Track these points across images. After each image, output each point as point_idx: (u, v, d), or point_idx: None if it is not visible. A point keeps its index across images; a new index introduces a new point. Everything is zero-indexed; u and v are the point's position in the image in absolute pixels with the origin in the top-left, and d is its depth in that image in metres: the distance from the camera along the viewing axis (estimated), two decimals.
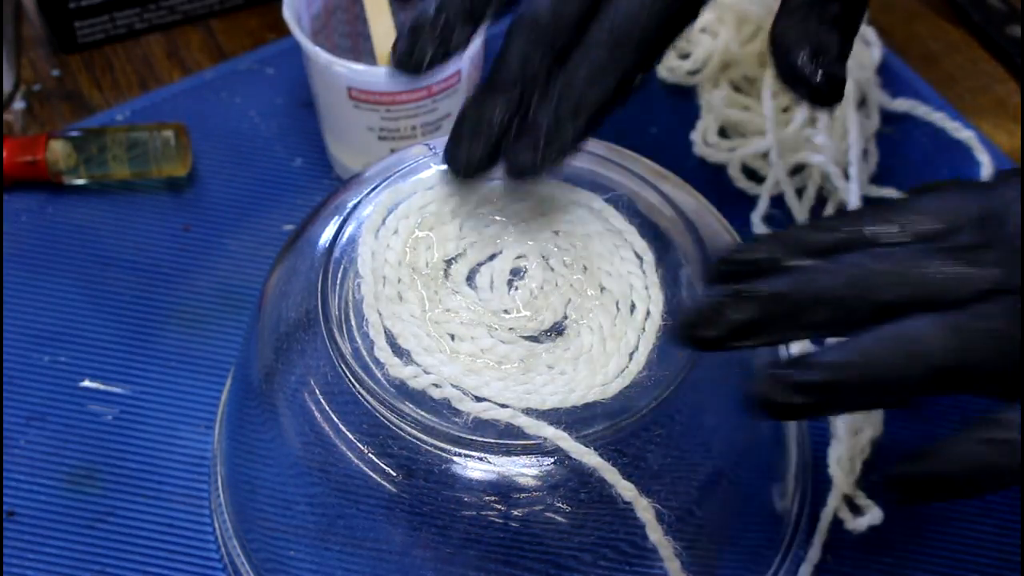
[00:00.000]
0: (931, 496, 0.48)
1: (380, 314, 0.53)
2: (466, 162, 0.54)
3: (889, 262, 0.47)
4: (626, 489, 0.50)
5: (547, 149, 0.52)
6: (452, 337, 0.53)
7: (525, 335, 0.53)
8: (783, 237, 0.50)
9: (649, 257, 0.55)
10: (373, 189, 0.57)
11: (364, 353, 0.53)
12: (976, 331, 0.46)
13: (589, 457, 0.50)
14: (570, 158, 0.54)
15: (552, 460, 0.51)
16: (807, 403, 0.47)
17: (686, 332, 0.48)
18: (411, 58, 0.54)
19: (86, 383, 0.68)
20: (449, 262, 0.55)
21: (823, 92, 0.52)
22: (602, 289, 0.55)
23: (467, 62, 0.71)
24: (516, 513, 0.52)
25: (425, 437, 0.51)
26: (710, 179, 0.77)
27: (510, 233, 0.56)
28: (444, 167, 0.55)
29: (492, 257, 0.56)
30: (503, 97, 0.53)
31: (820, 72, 0.52)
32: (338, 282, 0.55)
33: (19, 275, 0.72)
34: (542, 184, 0.57)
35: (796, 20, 0.52)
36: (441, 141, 0.58)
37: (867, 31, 0.82)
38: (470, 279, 0.55)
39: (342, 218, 0.57)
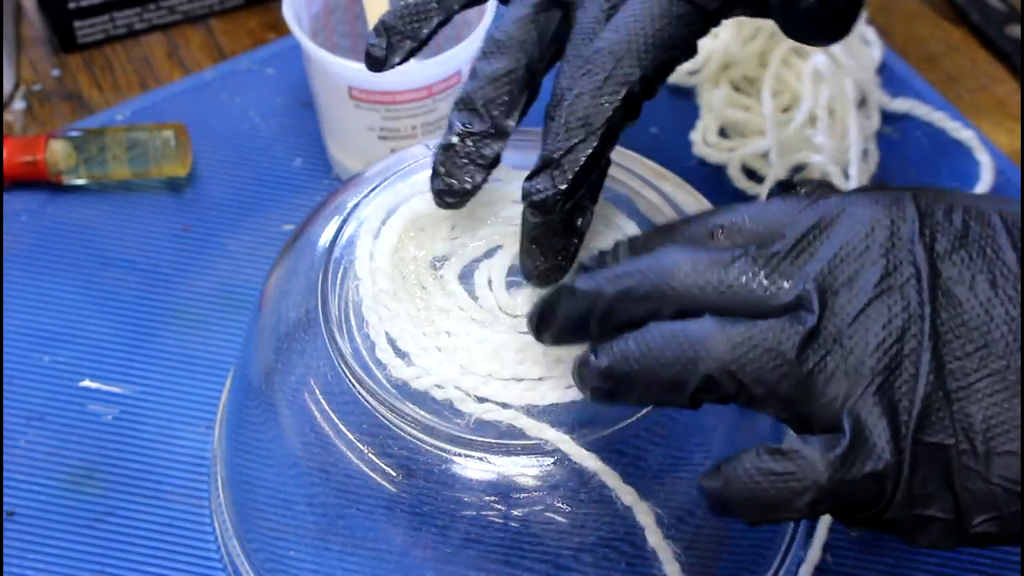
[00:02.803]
0: (732, 516, 0.45)
1: (379, 316, 0.53)
2: (461, 191, 0.53)
3: (696, 264, 0.45)
4: (627, 493, 0.50)
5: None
6: (448, 334, 0.53)
7: (522, 331, 0.53)
8: (633, 241, 0.48)
9: None
10: (373, 189, 0.57)
11: (364, 353, 0.53)
12: (755, 347, 0.43)
13: (590, 461, 0.50)
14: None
15: (552, 460, 0.51)
16: (603, 388, 0.45)
17: (531, 326, 0.48)
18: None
19: (86, 383, 0.68)
20: (444, 262, 0.55)
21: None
22: None
23: (468, 64, 0.71)
24: (516, 513, 0.52)
25: (425, 437, 0.51)
26: (710, 179, 0.77)
27: (508, 234, 0.56)
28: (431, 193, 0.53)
29: (490, 257, 0.55)
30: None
31: None
32: (338, 282, 0.55)
33: (19, 275, 0.72)
34: None
35: None
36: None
37: (867, 31, 0.82)
38: (467, 278, 0.55)
39: (342, 218, 0.57)
